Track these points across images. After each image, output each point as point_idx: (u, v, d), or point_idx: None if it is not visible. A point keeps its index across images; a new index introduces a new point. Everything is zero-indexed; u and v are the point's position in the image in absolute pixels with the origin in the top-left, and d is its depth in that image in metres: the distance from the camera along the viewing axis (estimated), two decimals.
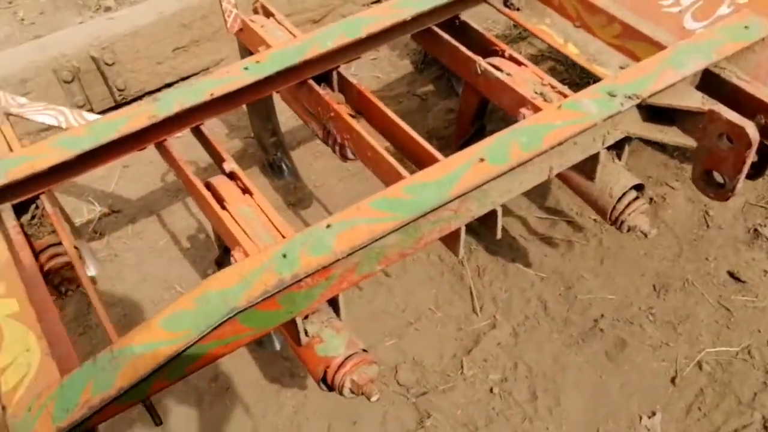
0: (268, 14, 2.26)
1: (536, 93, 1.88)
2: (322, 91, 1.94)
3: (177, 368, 1.28)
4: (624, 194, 1.78)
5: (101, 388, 1.16)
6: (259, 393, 2.08)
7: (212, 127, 2.90)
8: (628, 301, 2.24)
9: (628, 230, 1.82)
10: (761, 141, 1.68)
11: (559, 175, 1.88)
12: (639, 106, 1.66)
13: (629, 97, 1.54)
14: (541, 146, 1.44)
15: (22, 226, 1.65)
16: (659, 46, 1.79)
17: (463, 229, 1.59)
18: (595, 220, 2.48)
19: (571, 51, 1.97)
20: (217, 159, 1.81)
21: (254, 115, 2.61)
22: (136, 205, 2.69)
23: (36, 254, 1.68)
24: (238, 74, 1.78)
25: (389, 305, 2.28)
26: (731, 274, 2.29)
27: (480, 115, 2.29)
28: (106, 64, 2.88)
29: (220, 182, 1.72)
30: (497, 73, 1.92)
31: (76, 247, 1.78)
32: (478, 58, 1.98)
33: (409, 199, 1.36)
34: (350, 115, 1.96)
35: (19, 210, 1.69)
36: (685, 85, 1.67)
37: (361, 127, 1.87)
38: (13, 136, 1.88)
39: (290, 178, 2.73)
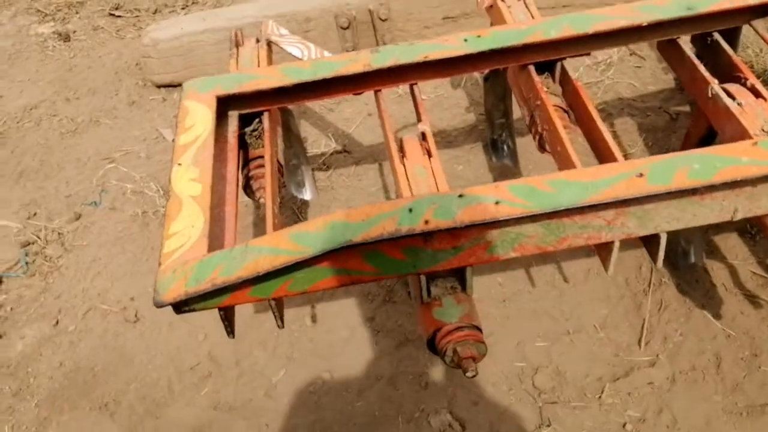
0: None
1: (763, 130, 1.70)
2: (536, 78, 1.95)
3: (299, 281, 1.43)
4: None
5: (226, 273, 1.36)
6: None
7: (453, 96, 3.04)
8: None
9: None
10: None
11: (763, 224, 1.71)
12: None
13: None
14: (710, 179, 1.33)
15: (243, 133, 1.93)
16: None
17: (617, 244, 1.53)
18: None
19: None
20: (418, 119, 1.92)
21: (489, 92, 2.66)
22: (366, 150, 2.92)
23: (247, 161, 1.96)
24: (455, 44, 1.86)
25: (554, 309, 2.24)
26: None
27: (708, 141, 2.12)
28: (380, 18, 3.13)
29: (408, 140, 1.83)
30: (727, 100, 1.78)
31: (280, 164, 2.03)
32: (713, 80, 1.84)
33: (548, 191, 1.36)
34: (556, 107, 1.95)
35: (247, 120, 1.97)
36: None
37: (560, 121, 1.86)
38: (264, 57, 2.17)
39: (508, 161, 2.76)
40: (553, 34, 1.85)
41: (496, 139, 2.76)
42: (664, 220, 1.48)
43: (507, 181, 1.41)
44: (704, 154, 1.38)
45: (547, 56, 1.97)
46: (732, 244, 2.33)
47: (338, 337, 2.24)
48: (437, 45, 1.87)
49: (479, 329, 1.56)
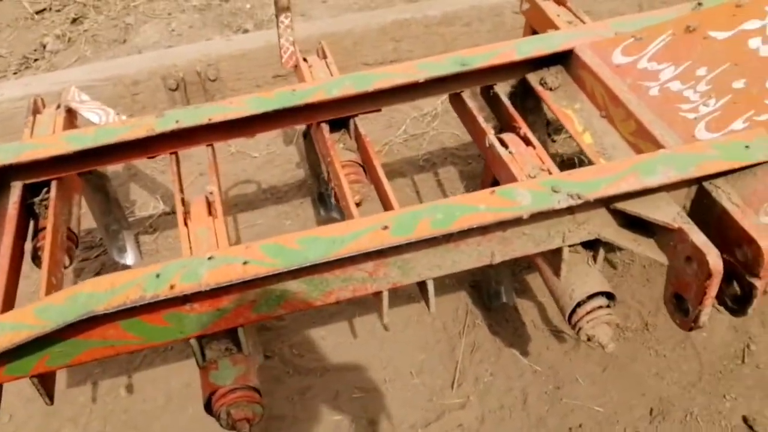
0: (324, 56, 2.37)
1: (530, 176, 1.81)
2: (327, 135, 2.01)
3: (57, 356, 1.39)
4: (586, 300, 1.66)
5: None
6: None
7: (285, 152, 3.07)
8: (615, 418, 2.05)
9: (588, 339, 1.68)
10: (744, 275, 1.51)
11: (535, 264, 1.80)
12: (613, 211, 1.56)
13: (571, 196, 1.44)
14: (449, 227, 1.40)
15: (23, 203, 1.87)
16: None
17: (385, 294, 1.57)
18: (617, 325, 2.30)
19: (585, 141, 1.87)
20: (210, 180, 1.92)
21: (310, 148, 2.71)
22: None
23: (36, 231, 1.90)
24: (240, 105, 1.89)
25: (374, 359, 2.27)
26: (745, 420, 2.02)
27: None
28: (210, 79, 3.14)
29: (196, 201, 1.83)
30: (500, 149, 1.88)
31: (72, 232, 1.98)
32: (489, 131, 1.95)
33: (297, 249, 1.38)
34: (351, 162, 2.01)
35: (36, 190, 1.91)
36: (662, 196, 1.53)
37: (345, 177, 1.91)
38: (61, 124, 2.12)
39: (335, 215, 2.80)
40: (335, 92, 1.91)
41: (323, 192, 2.80)
42: (426, 268, 1.54)
43: (260, 241, 1.43)
44: (448, 204, 1.45)
45: (337, 114, 2.03)
46: (540, 282, 2.43)
47: (154, 406, 2.18)
48: (221, 107, 1.89)
49: (256, 389, 1.55)
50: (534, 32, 2.34)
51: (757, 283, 1.47)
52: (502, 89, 2.12)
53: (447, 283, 2.45)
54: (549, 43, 2.00)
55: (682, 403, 2.07)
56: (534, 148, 1.90)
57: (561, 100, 2.01)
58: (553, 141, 2.80)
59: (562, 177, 1.49)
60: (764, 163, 1.51)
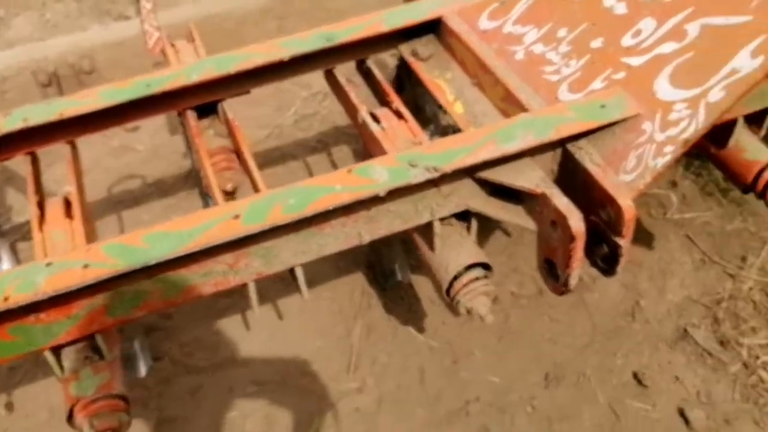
0: (192, 40, 2.26)
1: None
2: (191, 122, 1.91)
3: None
4: (462, 272, 1.63)
5: None
6: None
7: (171, 142, 2.94)
8: (511, 387, 2.05)
9: (467, 312, 1.66)
10: (609, 235, 1.50)
11: (413, 241, 1.76)
12: (479, 180, 1.52)
13: (428, 170, 1.40)
14: (304, 210, 1.34)
15: None
16: None
17: (251, 286, 1.50)
18: (512, 293, 2.30)
19: (456, 110, 1.83)
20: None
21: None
22: None
23: None
24: (93, 98, 1.77)
25: (269, 350, 2.20)
26: (636, 376, 2.04)
27: None
28: (85, 72, 2.98)
29: (51, 203, 1.72)
30: (372, 125, 1.82)
31: None
32: (362, 107, 1.89)
33: (143, 247, 1.30)
34: (222, 149, 1.93)
35: None
36: (526, 162, 1.51)
37: (213, 164, 1.83)
38: None
39: None
40: (195, 77, 1.82)
41: None
42: (291, 254, 1.47)
43: (103, 241, 1.33)
44: (303, 187, 1.39)
45: (203, 99, 1.93)
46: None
47: (36, 422, 2.06)
48: (74, 101, 1.77)
49: (121, 397, 1.46)
50: None
51: (621, 242, 1.46)
52: (389, 62, 2.06)
53: (341, 266, 2.40)
54: (417, 12, 1.96)
55: (575, 366, 2.09)
56: (406, 122, 1.85)
57: (433, 70, 1.96)
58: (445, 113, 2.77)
59: (421, 150, 1.45)
60: (621, 121, 1.50)
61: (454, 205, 1.56)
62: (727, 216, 2.46)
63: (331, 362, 2.16)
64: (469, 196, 1.55)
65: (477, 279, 1.64)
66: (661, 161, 1.43)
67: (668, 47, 1.52)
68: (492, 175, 1.50)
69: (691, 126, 1.41)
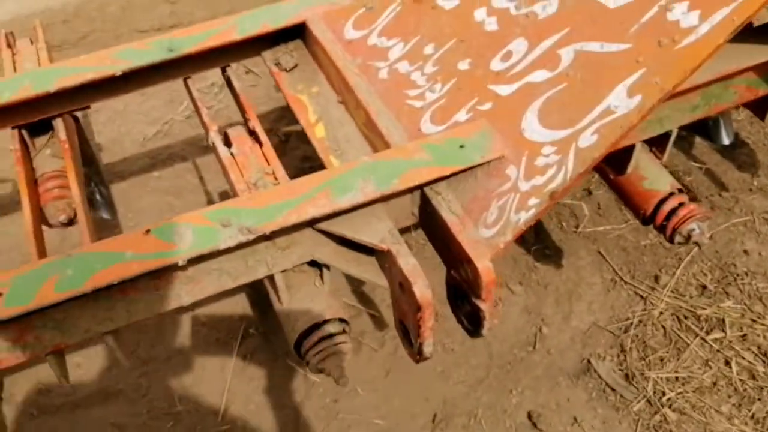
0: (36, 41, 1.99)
1: (251, 183, 1.52)
2: (16, 145, 1.65)
3: None
4: (312, 330, 1.42)
5: None
6: None
7: None
8: (396, 430, 1.86)
9: (320, 372, 1.45)
10: (470, 295, 1.29)
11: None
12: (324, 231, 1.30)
13: (241, 231, 1.17)
14: (82, 287, 1.11)
15: None
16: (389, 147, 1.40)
17: (51, 358, 1.28)
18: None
19: (316, 134, 1.59)
20: None
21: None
22: None
23: None
24: None
25: (135, 387, 1.99)
26: (531, 417, 1.87)
27: None
28: None
29: None
30: (220, 150, 1.58)
31: None
32: (212, 126, 1.64)
33: None
34: (55, 173, 1.68)
35: None
36: (375, 209, 1.28)
37: (44, 192, 1.60)
38: None
39: (105, 214, 2.45)
40: (8, 96, 1.55)
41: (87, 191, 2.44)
42: (94, 323, 1.26)
43: None
44: (86, 254, 1.15)
45: (34, 116, 1.67)
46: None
47: None
48: None
49: None
50: None
51: (482, 305, 1.26)
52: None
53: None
54: (277, 16, 1.70)
55: (466, 405, 1.90)
56: (261, 145, 1.61)
57: (297, 83, 1.72)
58: None
59: (238, 204, 1.22)
60: (484, 164, 1.28)
61: (297, 257, 1.34)
62: (642, 229, 2.27)
63: (200, 402, 1.95)
64: (313, 247, 1.33)
65: (330, 336, 1.43)
66: (524, 216, 1.21)
67: (539, 75, 1.29)
68: (333, 226, 1.28)
69: (559, 175, 1.20)
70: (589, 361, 1.98)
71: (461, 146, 1.28)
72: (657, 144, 1.68)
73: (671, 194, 1.63)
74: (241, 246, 1.19)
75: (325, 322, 1.41)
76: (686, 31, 1.14)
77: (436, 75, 1.43)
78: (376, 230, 1.27)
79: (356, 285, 2.18)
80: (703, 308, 2.07)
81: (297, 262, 1.35)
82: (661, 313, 2.07)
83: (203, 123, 1.69)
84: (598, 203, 2.35)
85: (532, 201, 1.21)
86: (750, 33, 1.67)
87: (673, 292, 2.12)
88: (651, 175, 1.65)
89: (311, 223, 1.26)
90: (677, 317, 2.06)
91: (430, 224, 1.34)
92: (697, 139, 2.53)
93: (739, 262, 2.18)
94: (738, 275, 2.15)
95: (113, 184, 2.53)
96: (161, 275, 1.22)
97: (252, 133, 1.65)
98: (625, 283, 2.15)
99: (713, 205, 2.33)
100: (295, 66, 1.74)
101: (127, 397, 1.96)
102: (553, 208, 2.34)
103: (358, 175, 1.24)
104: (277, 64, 1.75)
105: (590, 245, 2.25)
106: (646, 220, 1.66)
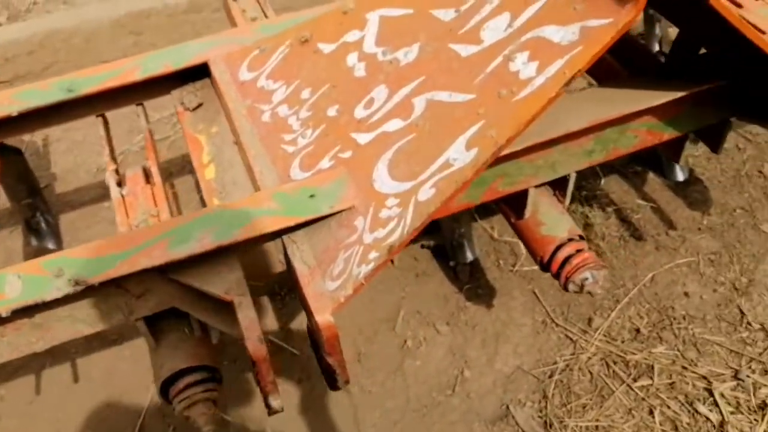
0: None
1: (133, 225, 1.53)
2: None
3: None
4: (178, 376, 1.40)
5: None
6: None
7: None
8: None
9: (187, 418, 1.43)
10: (319, 349, 1.27)
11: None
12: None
13: (72, 281, 1.16)
14: None
15: None
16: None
17: None
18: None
19: (206, 175, 1.59)
20: None
21: (6, 171, 2.37)
22: None
23: None
24: None
25: (54, 420, 1.99)
26: None
27: None
28: None
29: None
30: (112, 190, 1.59)
31: None
32: (110, 165, 1.65)
33: None
34: None
35: None
36: (227, 258, 1.27)
37: None
38: None
39: (50, 244, 2.48)
40: None
41: (30, 220, 2.47)
42: None
43: None
44: None
45: None
46: None
47: None
48: None
49: None
50: None
51: (329, 359, 1.23)
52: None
53: None
54: (180, 56, 1.71)
55: None
56: (153, 185, 1.61)
57: (198, 122, 1.72)
58: None
59: (74, 254, 1.21)
60: (337, 213, 1.26)
61: (154, 304, 1.33)
62: None
63: None
64: (170, 295, 1.32)
65: (196, 383, 1.41)
66: (365, 270, 1.19)
67: (394, 125, 1.27)
68: (181, 275, 1.26)
69: (398, 229, 1.17)
70: (507, 407, 1.92)
71: (311, 196, 1.26)
72: (559, 188, 1.63)
73: (569, 240, 1.59)
74: (71, 298, 1.19)
75: (189, 370, 1.40)
76: (524, 82, 1.11)
77: (308, 120, 1.42)
78: (225, 280, 1.26)
79: (284, 321, 2.16)
80: (634, 353, 2.00)
81: (156, 309, 1.34)
82: (589, 357, 2.01)
83: (109, 160, 1.70)
84: None
85: (373, 254, 1.18)
86: (645, 78, 1.63)
87: (605, 335, 2.05)
88: (549, 221, 1.61)
89: (161, 271, 1.25)
90: (606, 362, 2.00)
91: (289, 272, 1.32)
92: (651, 175, 2.46)
93: (678, 305, 2.11)
94: (675, 319, 2.07)
95: (63, 213, 2.56)
96: (4, 323, 1.22)
97: (147, 173, 1.65)
98: (557, 325, 2.09)
99: (658, 245, 2.26)
100: (200, 105, 1.75)
101: (48, 429, 1.97)
102: (492, 246, 2.30)
103: (199, 226, 1.23)
104: (182, 103, 1.75)
105: (525, 285, 2.20)
106: (544, 266, 1.61)
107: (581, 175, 2.41)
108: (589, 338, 2.05)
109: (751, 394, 1.89)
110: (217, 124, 1.70)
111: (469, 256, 2.21)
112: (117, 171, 1.67)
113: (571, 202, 2.37)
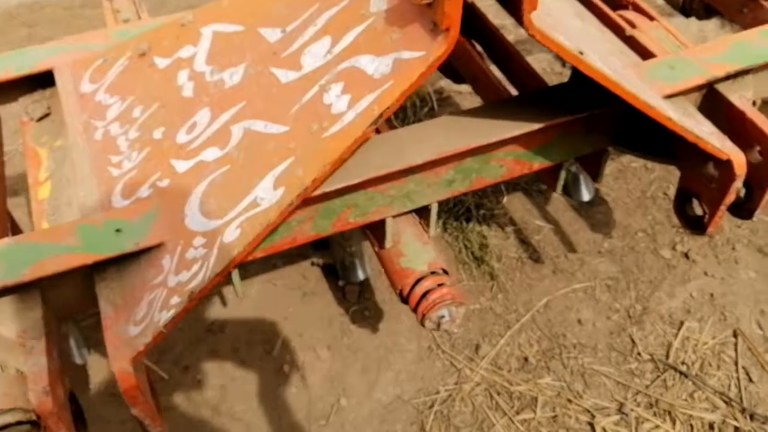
0: None
1: None
2: None
3: None
4: None
5: None
6: None
7: None
8: None
9: None
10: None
11: None
12: None
13: None
14: None
15: None
16: None
17: None
18: (198, 379, 1.96)
19: (39, 195, 1.45)
20: None
21: None
22: None
23: None
24: None
25: None
26: None
27: None
28: None
29: None
30: None
31: None
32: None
33: None
34: None
35: None
36: (17, 299, 1.14)
37: None
38: None
39: None
40: None
41: None
42: None
43: None
44: None
45: None
46: None
47: None
48: None
49: None
50: None
51: (134, 411, 1.12)
52: None
53: None
54: (24, 61, 1.57)
55: None
56: None
57: (43, 134, 1.58)
58: None
59: None
60: (144, 251, 1.14)
61: None
62: (476, 291, 2.12)
63: None
64: None
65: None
66: (166, 316, 1.07)
67: (211, 154, 1.16)
68: None
69: (201, 272, 1.06)
70: None
71: (117, 230, 1.14)
72: (423, 217, 1.53)
73: (431, 274, 1.49)
74: None
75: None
76: (335, 117, 1.00)
77: (135, 142, 1.30)
78: (24, 319, 1.13)
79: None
80: (519, 384, 1.92)
81: None
82: (473, 387, 1.92)
83: None
84: None
85: (175, 299, 1.07)
86: (515, 102, 1.54)
87: (491, 363, 1.97)
88: (410, 252, 1.50)
89: None
90: (489, 393, 1.91)
91: None
92: (555, 195, 2.38)
93: (570, 333, 2.03)
94: (566, 347, 2.00)
95: None
96: None
97: None
98: (443, 351, 2.00)
99: (556, 268, 2.18)
100: (46, 115, 1.61)
101: None
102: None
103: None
104: (27, 113, 1.61)
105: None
106: (403, 300, 1.51)
107: (480, 192, 2.33)
108: (475, 366, 1.96)
109: (633, 429, 1.83)
110: (63, 137, 1.57)
111: (360, 276, 2.11)
112: None
113: (468, 221, 2.28)
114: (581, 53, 1.06)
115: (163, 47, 1.34)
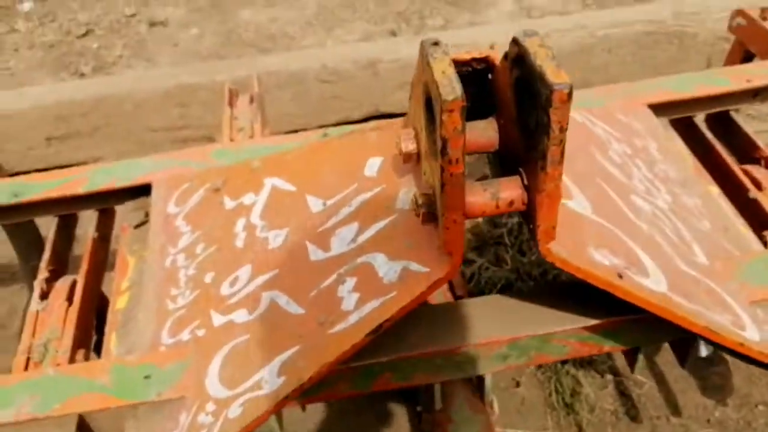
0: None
1: (36, 347, 1.51)
2: None
3: None
4: None
5: None
6: None
7: None
8: None
9: None
10: None
11: None
12: None
13: None
14: None
15: None
16: None
17: None
18: None
19: (118, 304, 1.54)
20: None
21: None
22: None
23: None
24: None
25: None
26: None
27: None
28: None
29: None
30: (33, 300, 1.59)
31: None
32: (43, 271, 1.65)
33: None
34: None
35: None
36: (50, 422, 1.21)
37: None
38: None
39: None
40: None
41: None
42: None
43: None
44: None
45: None
46: None
47: None
48: None
49: None
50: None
51: None
52: None
53: None
54: (126, 174, 1.69)
55: None
56: (71, 305, 1.59)
57: (135, 242, 1.68)
58: None
59: None
60: (167, 401, 1.17)
61: None
62: None
63: None
64: None
65: None
66: None
67: (241, 316, 1.17)
68: None
69: None
70: None
71: (146, 376, 1.18)
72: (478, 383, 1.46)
73: None
74: None
75: None
76: (343, 314, 0.98)
77: (190, 280, 1.34)
78: None
79: None
80: None
81: None
82: None
83: (44, 266, 1.70)
84: None
85: None
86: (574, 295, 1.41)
87: None
88: (459, 418, 1.43)
89: None
90: None
91: None
92: (665, 345, 2.18)
93: None
94: None
95: None
96: None
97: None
98: None
99: (655, 430, 1.98)
100: (143, 223, 1.71)
101: None
102: None
103: (29, 389, 1.18)
104: (127, 219, 1.73)
105: None
106: None
107: None
108: None
109: None
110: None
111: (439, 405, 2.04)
112: (49, 279, 1.66)
113: (564, 362, 2.13)
114: (620, 276, 0.95)
115: (233, 187, 1.39)
